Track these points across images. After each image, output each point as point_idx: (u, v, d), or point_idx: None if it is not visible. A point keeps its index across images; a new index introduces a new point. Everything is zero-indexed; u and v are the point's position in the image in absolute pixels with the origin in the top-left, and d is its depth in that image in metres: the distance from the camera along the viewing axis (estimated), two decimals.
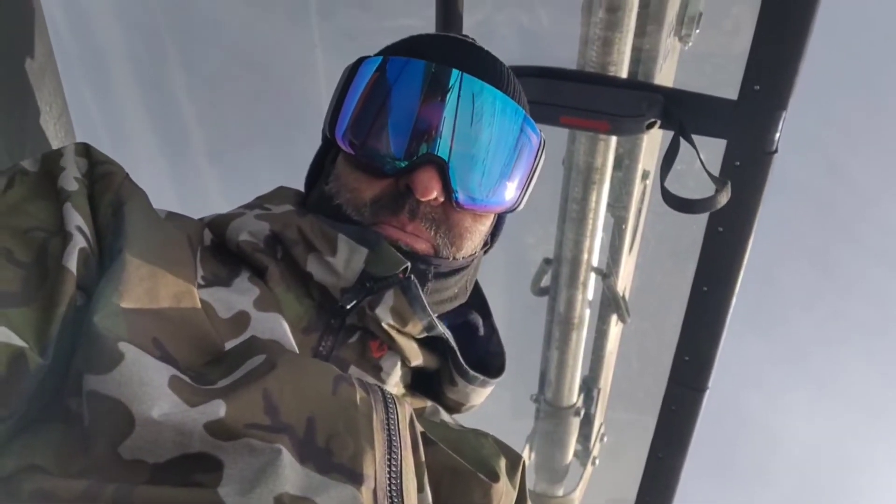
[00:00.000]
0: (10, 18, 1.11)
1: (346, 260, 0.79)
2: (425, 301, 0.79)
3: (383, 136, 0.84)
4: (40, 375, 0.58)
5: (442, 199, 0.85)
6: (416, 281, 0.79)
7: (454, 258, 0.89)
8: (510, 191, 0.91)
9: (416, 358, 0.83)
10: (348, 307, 0.77)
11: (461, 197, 0.86)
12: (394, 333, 0.79)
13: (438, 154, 0.83)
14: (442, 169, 0.83)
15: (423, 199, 0.83)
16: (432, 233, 0.86)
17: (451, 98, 0.84)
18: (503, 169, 0.89)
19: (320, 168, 0.96)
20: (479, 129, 0.86)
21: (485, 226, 0.93)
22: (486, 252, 1.00)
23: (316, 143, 0.97)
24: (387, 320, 0.78)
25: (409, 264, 0.80)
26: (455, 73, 0.84)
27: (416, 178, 0.82)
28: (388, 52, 0.93)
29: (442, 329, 0.83)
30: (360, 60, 0.89)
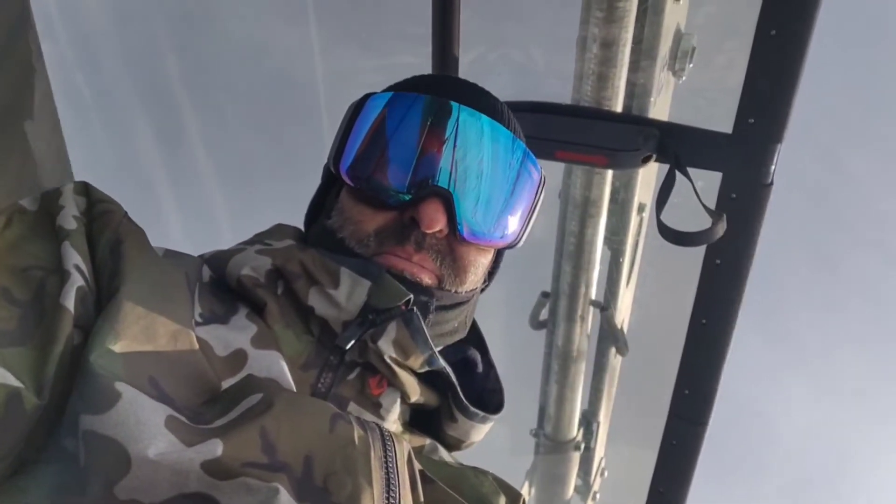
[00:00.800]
0: (6, 43, 1.11)
1: (348, 292, 0.78)
2: (427, 334, 0.79)
3: (388, 168, 0.85)
4: (36, 416, 0.58)
5: (446, 232, 0.85)
6: (418, 313, 0.79)
7: (457, 291, 0.89)
8: (512, 225, 0.92)
9: (416, 394, 0.82)
10: (347, 347, 0.77)
11: (465, 230, 0.86)
12: (395, 367, 0.79)
13: (443, 186, 0.84)
14: (447, 201, 0.84)
15: (428, 231, 0.83)
16: (437, 264, 0.86)
17: (454, 132, 0.86)
18: (506, 203, 0.90)
19: (320, 205, 0.97)
20: (483, 163, 0.87)
21: (487, 259, 0.93)
22: (482, 290, 1.00)
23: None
24: (389, 353, 0.77)
25: (411, 296, 0.79)
26: (457, 107, 0.86)
27: (422, 210, 0.83)
28: (391, 89, 0.94)
29: (443, 363, 0.82)
30: (366, 97, 0.91)
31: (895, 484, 6.40)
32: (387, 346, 0.77)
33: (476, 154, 0.88)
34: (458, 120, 0.87)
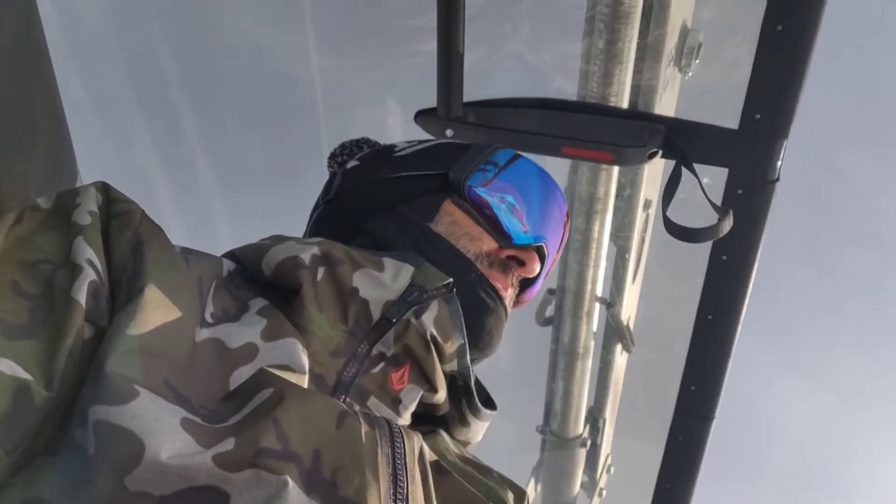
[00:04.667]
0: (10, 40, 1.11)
1: (393, 274, 0.83)
2: (462, 321, 0.84)
3: (527, 213, 1.01)
4: (46, 408, 0.58)
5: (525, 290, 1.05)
6: (457, 298, 0.85)
7: None
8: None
9: (442, 387, 0.84)
10: (395, 319, 0.80)
11: (528, 294, 1.07)
12: (433, 348, 0.81)
13: (547, 250, 1.03)
14: (542, 265, 1.01)
15: (525, 276, 0.99)
16: (509, 309, 1.00)
17: (566, 216, 1.10)
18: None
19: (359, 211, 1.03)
20: (560, 245, 1.09)
21: None
22: None
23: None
24: (431, 330, 0.80)
25: (452, 280, 0.85)
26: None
27: (530, 257, 0.98)
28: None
29: (468, 361, 0.85)
30: (516, 155, 1.08)
31: (893, 482, 6.40)
32: (429, 322, 0.80)
33: (561, 246, 1.10)
34: (568, 220, 1.12)
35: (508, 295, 0.97)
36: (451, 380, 0.86)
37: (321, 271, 0.81)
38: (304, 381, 0.71)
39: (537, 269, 0.99)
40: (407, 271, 0.84)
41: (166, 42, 2.63)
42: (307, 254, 0.81)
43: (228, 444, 0.58)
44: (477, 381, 0.98)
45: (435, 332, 0.81)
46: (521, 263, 0.98)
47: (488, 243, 0.97)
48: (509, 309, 1.01)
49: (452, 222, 0.97)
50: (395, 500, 0.63)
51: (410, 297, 0.82)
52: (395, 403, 0.80)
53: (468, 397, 0.88)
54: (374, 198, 1.02)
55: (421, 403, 0.83)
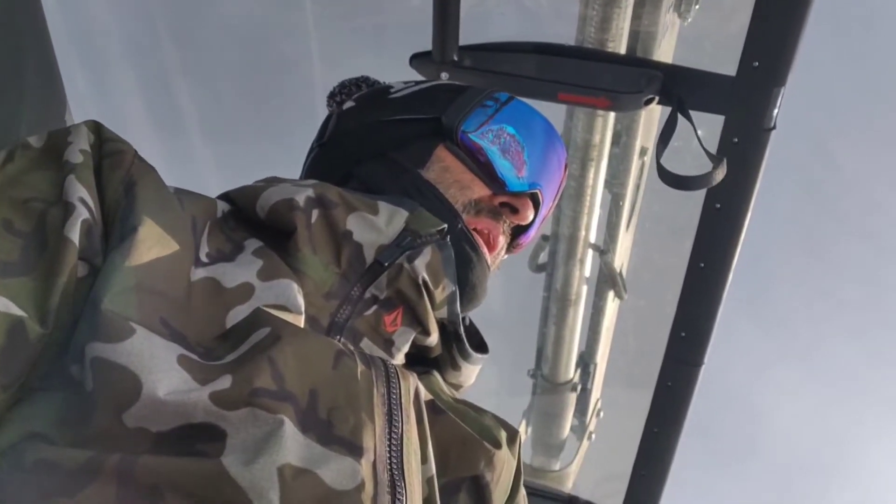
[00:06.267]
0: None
1: (387, 219, 0.83)
2: (454, 268, 0.84)
3: (520, 158, 0.99)
4: (40, 345, 0.59)
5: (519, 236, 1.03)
6: (450, 244, 0.85)
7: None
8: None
9: (434, 330, 0.85)
10: (387, 263, 0.80)
11: (528, 238, 1.06)
12: (424, 293, 0.81)
13: (542, 196, 1.01)
14: (536, 210, 1.00)
15: (518, 223, 0.98)
16: (501, 256, 1.01)
17: (564, 164, 1.08)
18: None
19: (364, 149, 1.01)
20: (557, 191, 1.07)
21: None
22: None
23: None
24: (422, 274, 0.80)
25: (446, 226, 0.85)
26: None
27: (524, 203, 0.97)
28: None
29: (458, 309, 0.86)
30: (510, 97, 1.05)
31: (888, 472, 6.50)
32: (421, 267, 0.80)
33: (558, 193, 1.08)
34: (566, 168, 1.09)
35: (500, 243, 0.97)
36: (442, 326, 0.87)
37: (315, 213, 0.81)
38: (301, 322, 0.72)
39: (531, 217, 0.98)
40: (401, 215, 0.83)
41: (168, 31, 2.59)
42: (301, 196, 0.81)
43: (225, 382, 0.59)
44: (472, 325, 0.99)
45: (427, 277, 0.81)
46: (515, 211, 0.97)
47: (479, 190, 0.95)
48: (501, 256, 1.01)
49: (443, 168, 0.96)
50: (389, 440, 0.64)
51: (404, 241, 0.82)
52: (388, 345, 0.80)
53: (458, 343, 0.89)
54: (365, 142, 1.01)
55: (414, 345, 0.84)
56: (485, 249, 0.93)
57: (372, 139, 1.01)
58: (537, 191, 1.00)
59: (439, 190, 0.93)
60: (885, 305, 5.34)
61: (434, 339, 0.85)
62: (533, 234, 1.07)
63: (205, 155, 2.88)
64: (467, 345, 0.89)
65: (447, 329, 0.88)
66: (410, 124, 1.01)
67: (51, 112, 1.22)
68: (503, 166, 0.97)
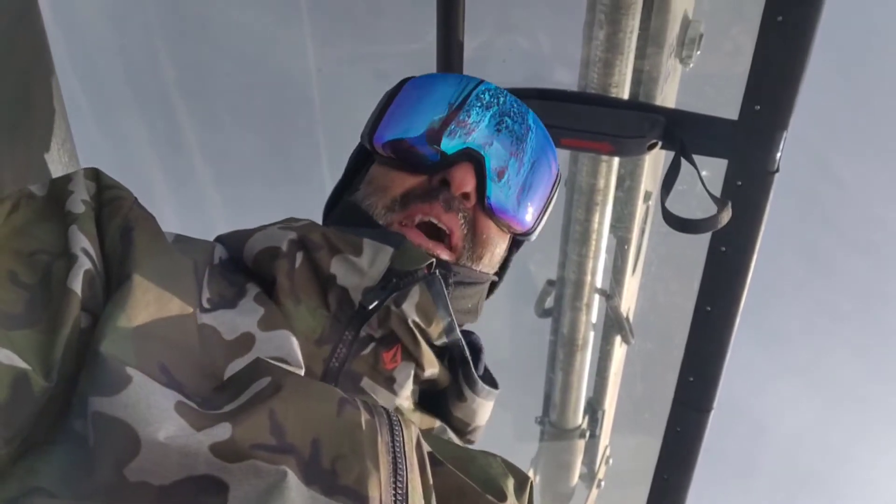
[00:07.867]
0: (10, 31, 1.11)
1: (371, 259, 0.80)
2: (448, 300, 0.81)
3: (423, 131, 0.89)
4: (44, 398, 0.58)
5: (474, 201, 0.89)
6: (440, 277, 0.81)
7: (473, 267, 0.91)
8: (532, 211, 0.96)
9: (433, 365, 0.83)
10: (371, 307, 0.78)
11: (493, 200, 0.90)
12: (416, 334, 0.79)
13: (476, 150, 0.88)
14: (479, 166, 0.88)
15: (458, 192, 0.87)
16: (464, 231, 0.89)
17: (496, 105, 0.91)
18: (531, 187, 0.94)
19: (341, 192, 1.01)
20: (515, 143, 0.92)
21: (503, 245, 0.97)
22: (492, 291, 1.03)
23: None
24: (412, 317, 0.78)
25: (434, 259, 0.82)
26: (497, 88, 0.91)
27: (454, 172, 0.87)
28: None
29: (459, 335, 0.83)
30: (404, 80, 0.96)
31: (887, 485, 6.42)
32: (410, 310, 0.78)
33: (510, 132, 0.92)
34: (495, 97, 0.92)
35: (450, 221, 0.87)
36: (448, 351, 0.86)
37: (299, 257, 0.80)
38: (301, 374, 0.71)
39: (468, 181, 0.87)
40: (385, 253, 0.80)
41: (166, 48, 2.63)
42: (285, 241, 0.81)
43: (224, 431, 0.58)
44: (486, 369, 0.97)
45: (417, 319, 0.79)
46: (445, 184, 0.88)
47: (404, 184, 0.90)
48: (459, 245, 0.90)
49: (368, 183, 0.94)
50: (395, 488, 0.63)
51: (389, 283, 0.79)
52: (390, 382, 0.79)
53: (465, 367, 0.87)
54: (339, 187, 1.04)
55: (419, 379, 0.83)
56: (415, 236, 0.86)
57: (340, 183, 1.04)
58: (468, 149, 0.89)
59: (360, 206, 0.91)
60: (886, 319, 5.32)
61: (434, 371, 0.84)
62: (516, 195, 0.93)
63: (205, 174, 2.90)
64: (473, 370, 0.87)
65: (453, 354, 0.86)
66: (354, 158, 1.03)
67: (53, 132, 1.23)
68: (411, 147, 0.90)
